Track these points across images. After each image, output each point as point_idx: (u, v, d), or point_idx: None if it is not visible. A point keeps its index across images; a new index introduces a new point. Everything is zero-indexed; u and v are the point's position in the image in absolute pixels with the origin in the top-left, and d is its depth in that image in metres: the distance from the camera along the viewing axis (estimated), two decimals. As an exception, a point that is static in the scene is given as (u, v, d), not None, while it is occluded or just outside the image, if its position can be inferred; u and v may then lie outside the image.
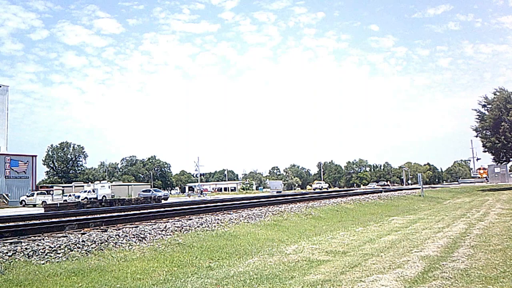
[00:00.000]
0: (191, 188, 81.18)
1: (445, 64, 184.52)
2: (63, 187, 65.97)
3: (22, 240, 9.91)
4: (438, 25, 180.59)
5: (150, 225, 12.79)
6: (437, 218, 14.70)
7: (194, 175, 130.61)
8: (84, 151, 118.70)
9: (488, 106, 44.62)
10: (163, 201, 40.59)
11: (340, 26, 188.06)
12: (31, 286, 6.68)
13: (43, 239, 10.03)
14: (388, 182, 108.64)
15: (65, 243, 9.08)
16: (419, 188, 36.79)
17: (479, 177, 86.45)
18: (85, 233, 10.96)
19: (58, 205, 32.74)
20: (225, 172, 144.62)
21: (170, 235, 10.93)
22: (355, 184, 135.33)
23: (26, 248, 8.49)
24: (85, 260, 8.21)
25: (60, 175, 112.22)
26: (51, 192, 50.78)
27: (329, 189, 79.11)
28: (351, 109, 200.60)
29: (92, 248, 8.98)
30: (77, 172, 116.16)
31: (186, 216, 15.93)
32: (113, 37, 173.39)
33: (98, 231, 11.43)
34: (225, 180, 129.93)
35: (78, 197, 48.89)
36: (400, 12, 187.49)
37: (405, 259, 7.02)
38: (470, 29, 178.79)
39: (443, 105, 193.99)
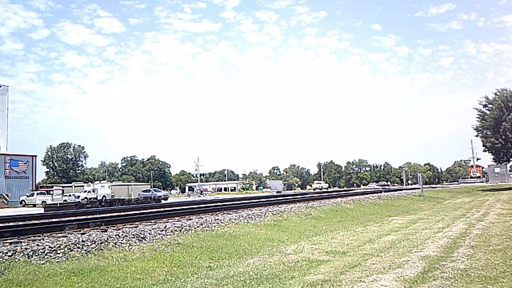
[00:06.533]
0: (191, 188, 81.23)
1: (447, 64, 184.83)
2: (63, 187, 66.00)
3: (22, 240, 9.90)
4: (441, 24, 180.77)
5: (150, 225, 12.79)
6: (437, 218, 14.70)
7: (194, 175, 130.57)
8: (84, 151, 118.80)
9: (489, 105, 44.63)
10: (163, 201, 40.59)
11: (342, 25, 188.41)
12: (31, 286, 6.68)
13: (43, 239, 10.02)
14: (388, 182, 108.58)
15: (65, 243, 9.07)
16: (419, 188, 36.79)
17: (472, 176, 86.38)
18: (85, 233, 10.96)
19: (58, 205, 32.76)
20: (225, 172, 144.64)
21: (170, 235, 10.93)
22: (355, 184, 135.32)
23: (26, 248, 8.49)
24: (85, 260, 8.20)
25: (60, 175, 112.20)
26: (51, 192, 50.82)
27: (329, 189, 79.09)
28: (352, 109, 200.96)
29: (92, 248, 8.97)
30: (77, 172, 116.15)
31: (186, 216, 15.93)
32: (114, 37, 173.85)
33: (98, 231, 11.42)
34: (225, 180, 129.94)
35: (78, 197, 48.90)
36: (402, 11, 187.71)
37: (405, 259, 7.02)
38: (472, 28, 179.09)
39: (444, 105, 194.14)
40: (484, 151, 46.13)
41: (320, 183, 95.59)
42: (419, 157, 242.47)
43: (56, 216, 19.20)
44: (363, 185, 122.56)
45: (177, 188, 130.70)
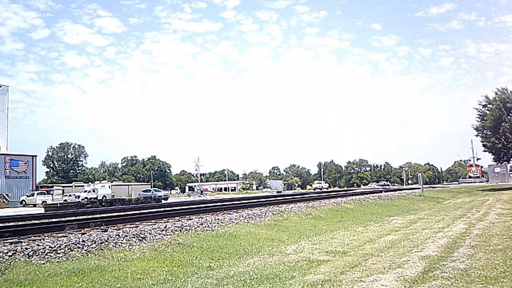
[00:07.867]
0: (191, 188, 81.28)
1: (447, 64, 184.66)
2: (63, 187, 65.96)
3: (22, 240, 9.91)
4: (441, 24, 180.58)
5: (150, 225, 12.80)
6: (437, 218, 14.70)
7: (194, 175, 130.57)
8: (84, 151, 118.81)
9: (489, 105, 44.58)
10: (163, 201, 40.60)
11: (343, 25, 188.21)
12: (31, 286, 6.68)
13: (43, 239, 10.03)
14: (388, 182, 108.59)
15: (65, 243, 9.07)
16: (419, 188, 36.78)
17: (471, 176, 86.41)
18: (85, 233, 10.96)
19: (58, 205, 32.77)
20: (225, 172, 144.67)
21: (170, 235, 10.93)
22: (355, 184, 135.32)
23: (26, 248, 8.49)
24: (85, 260, 8.20)
25: (60, 175, 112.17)
26: (51, 192, 50.84)
27: (329, 189, 79.07)
28: (352, 108, 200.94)
29: (92, 248, 8.98)
30: (77, 172, 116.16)
31: (186, 216, 15.93)
32: (114, 36, 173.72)
33: (98, 231, 11.43)
34: (225, 180, 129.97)
35: (78, 197, 48.89)
36: (402, 11, 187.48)
37: (405, 259, 7.02)
38: (473, 28, 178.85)
39: (444, 105, 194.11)
40: (485, 151, 46.13)
41: (320, 183, 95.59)
42: (419, 157, 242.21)
43: (56, 216, 19.20)
44: (363, 185, 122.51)
45: (177, 188, 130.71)
